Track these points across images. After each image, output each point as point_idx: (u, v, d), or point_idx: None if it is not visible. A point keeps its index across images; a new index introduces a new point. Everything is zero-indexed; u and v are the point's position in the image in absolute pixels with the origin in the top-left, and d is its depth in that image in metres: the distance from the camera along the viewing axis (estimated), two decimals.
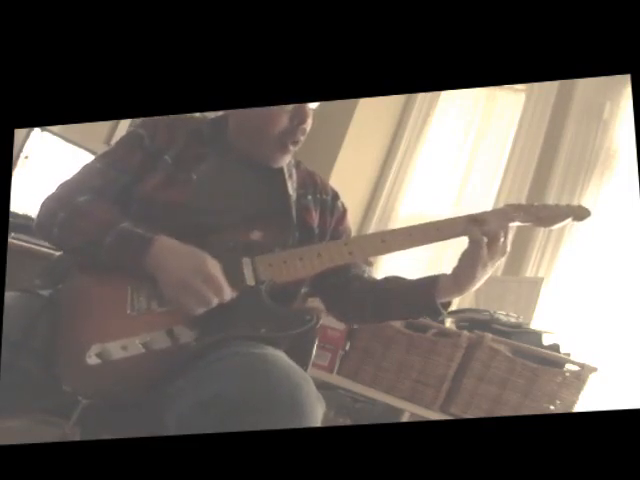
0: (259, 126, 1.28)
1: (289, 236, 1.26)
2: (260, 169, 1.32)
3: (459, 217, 1.22)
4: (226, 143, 1.34)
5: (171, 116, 1.34)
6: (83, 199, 1.22)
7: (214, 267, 1.12)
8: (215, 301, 1.11)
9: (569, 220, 1.24)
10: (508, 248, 1.17)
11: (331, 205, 1.39)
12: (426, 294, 1.21)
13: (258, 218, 1.24)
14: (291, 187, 1.33)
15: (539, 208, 1.25)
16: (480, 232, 1.15)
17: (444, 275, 1.21)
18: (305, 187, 1.36)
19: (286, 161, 1.33)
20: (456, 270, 1.18)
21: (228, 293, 1.12)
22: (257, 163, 1.32)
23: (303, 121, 1.27)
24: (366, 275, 1.36)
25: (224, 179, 1.29)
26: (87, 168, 1.31)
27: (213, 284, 1.11)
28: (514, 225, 1.23)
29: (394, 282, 1.30)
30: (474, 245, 1.15)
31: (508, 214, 1.22)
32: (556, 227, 1.27)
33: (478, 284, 1.17)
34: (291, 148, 1.30)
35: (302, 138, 1.31)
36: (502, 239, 1.16)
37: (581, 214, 1.24)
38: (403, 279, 1.30)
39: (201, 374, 1.03)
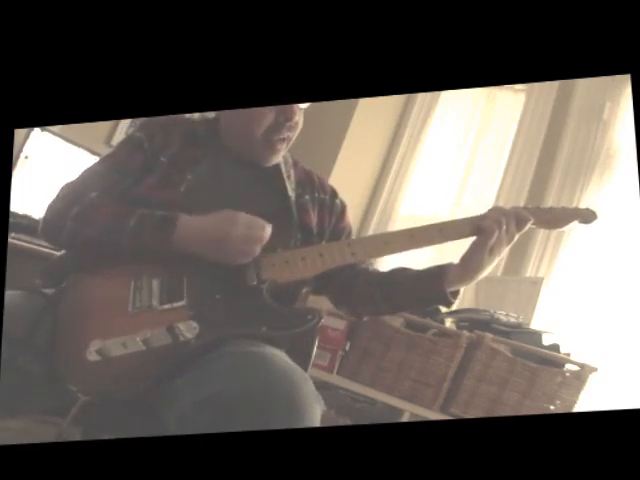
0: (246, 125, 1.29)
1: (291, 237, 1.26)
2: (256, 169, 1.32)
3: (462, 219, 1.24)
4: (221, 144, 1.34)
5: (168, 117, 1.34)
6: (95, 194, 1.23)
7: (245, 214, 1.15)
8: (265, 236, 1.14)
9: (575, 223, 1.25)
10: (516, 237, 1.20)
11: (330, 203, 1.39)
12: (435, 284, 1.23)
13: (260, 219, 1.24)
14: (290, 187, 1.33)
15: (545, 211, 1.26)
16: (488, 224, 1.18)
17: (451, 264, 1.22)
18: (302, 187, 1.36)
19: (277, 159, 1.33)
20: (465, 257, 1.21)
21: (269, 228, 1.15)
22: (251, 163, 1.32)
23: (289, 118, 1.28)
24: (371, 268, 1.36)
25: (222, 180, 1.29)
26: (89, 171, 1.31)
27: (254, 223, 1.15)
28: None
29: (401, 273, 1.31)
30: (485, 233, 1.18)
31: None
32: (562, 230, 1.28)
33: (486, 271, 1.21)
34: (280, 146, 1.30)
35: (291, 135, 1.31)
36: (504, 227, 1.18)
37: (588, 217, 1.26)
38: (410, 270, 1.31)
39: (201, 372, 1.03)
